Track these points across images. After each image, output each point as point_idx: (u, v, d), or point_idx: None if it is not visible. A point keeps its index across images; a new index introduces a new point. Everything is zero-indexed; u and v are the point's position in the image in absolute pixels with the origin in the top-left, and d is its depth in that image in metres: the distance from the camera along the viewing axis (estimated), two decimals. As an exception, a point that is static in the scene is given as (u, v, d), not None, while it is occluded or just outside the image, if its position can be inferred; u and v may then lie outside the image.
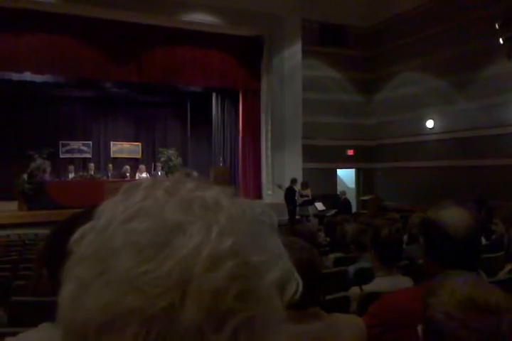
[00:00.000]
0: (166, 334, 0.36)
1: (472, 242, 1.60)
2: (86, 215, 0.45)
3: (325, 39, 13.64)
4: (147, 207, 0.41)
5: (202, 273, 0.37)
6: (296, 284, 0.43)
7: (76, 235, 0.43)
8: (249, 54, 13.68)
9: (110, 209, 0.43)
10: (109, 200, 0.44)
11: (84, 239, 0.42)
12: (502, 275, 2.74)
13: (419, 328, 1.09)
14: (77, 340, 0.39)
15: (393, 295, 1.73)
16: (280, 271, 0.41)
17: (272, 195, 13.13)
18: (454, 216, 1.61)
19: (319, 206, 11.09)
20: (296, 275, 0.44)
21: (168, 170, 15.05)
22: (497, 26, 9.82)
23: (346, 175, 14.40)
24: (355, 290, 2.44)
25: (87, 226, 0.43)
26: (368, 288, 2.41)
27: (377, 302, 1.70)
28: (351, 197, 13.15)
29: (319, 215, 10.84)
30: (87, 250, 0.41)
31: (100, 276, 0.38)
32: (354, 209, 12.56)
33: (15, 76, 12.70)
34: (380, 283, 2.40)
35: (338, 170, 14.09)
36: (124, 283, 0.37)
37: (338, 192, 12.61)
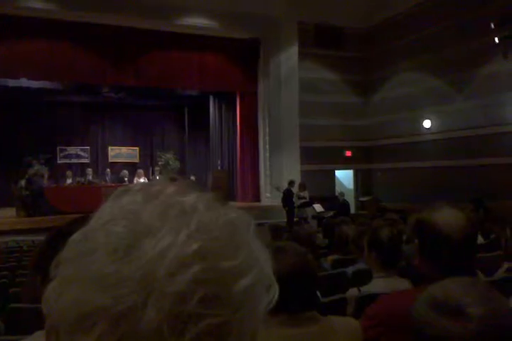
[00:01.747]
0: (130, 335, 0.37)
1: (467, 243, 1.60)
2: (80, 222, 0.46)
3: (321, 41, 13.67)
4: (126, 210, 0.42)
5: (165, 276, 0.38)
6: (274, 290, 0.43)
7: (74, 237, 0.44)
8: (246, 57, 13.72)
9: (99, 213, 0.44)
10: (105, 203, 0.45)
11: (74, 240, 0.43)
12: (499, 274, 2.74)
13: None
14: (54, 338, 0.40)
15: (390, 297, 1.72)
16: (255, 277, 0.41)
17: (271, 197, 13.13)
18: (448, 217, 1.61)
19: (318, 208, 11.09)
20: (274, 280, 0.43)
21: (167, 174, 15.05)
22: (492, 26, 9.86)
23: (344, 176, 14.41)
24: (352, 292, 2.44)
25: (83, 229, 0.44)
26: (365, 289, 2.40)
27: (374, 304, 1.70)
28: (350, 198, 13.16)
29: (318, 217, 10.83)
30: (72, 250, 0.42)
31: (76, 275, 0.39)
32: (353, 211, 12.56)
33: (11, 82, 12.72)
34: (378, 285, 2.39)
35: (336, 171, 14.10)
36: (93, 281, 0.38)
37: (336, 194, 12.61)
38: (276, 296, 0.43)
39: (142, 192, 0.44)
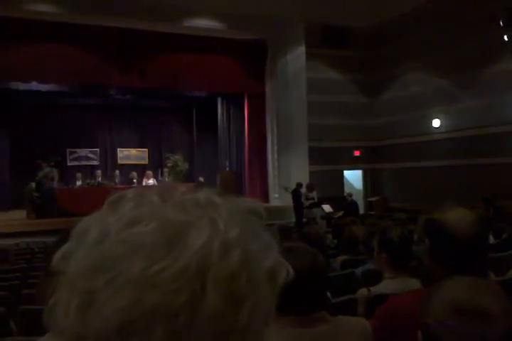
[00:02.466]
0: (193, 324, 0.39)
1: (478, 243, 1.59)
2: None
3: (328, 41, 13.63)
4: (146, 211, 0.43)
5: (217, 261, 0.40)
6: (286, 273, 0.46)
7: (58, 255, 0.44)
8: (253, 58, 13.72)
9: (99, 223, 0.44)
10: (91, 216, 0.46)
11: (72, 257, 0.43)
12: (511, 274, 2.72)
13: (419, 335, 1.09)
14: None
15: (400, 298, 1.71)
16: (273, 259, 0.45)
17: (279, 198, 13.12)
18: (459, 217, 1.60)
19: (327, 208, 11.06)
20: (287, 264, 0.47)
21: (175, 176, 15.09)
22: (501, 24, 9.77)
23: (353, 177, 14.36)
24: (362, 292, 2.42)
25: (69, 245, 0.44)
26: (375, 289, 2.39)
27: (384, 304, 1.69)
28: (359, 198, 13.11)
29: (327, 217, 10.81)
30: (81, 265, 0.42)
31: (110, 283, 0.39)
32: (362, 211, 12.52)
33: (22, 86, 12.84)
34: (388, 285, 2.38)
35: (344, 171, 14.05)
36: (140, 283, 0.39)
37: (345, 194, 12.57)
38: (290, 277, 0.46)
39: (148, 195, 0.46)
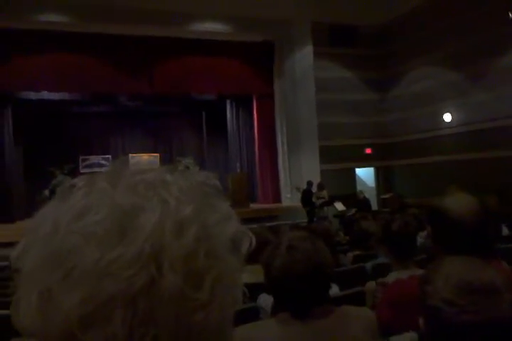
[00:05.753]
0: (153, 307, 0.39)
1: (480, 229, 1.57)
2: None
3: (335, 40, 13.60)
4: (95, 199, 0.42)
5: (171, 241, 0.40)
6: (249, 241, 0.46)
7: (15, 252, 0.43)
8: (261, 59, 13.73)
9: (51, 215, 0.43)
10: (44, 208, 0.45)
11: (28, 253, 0.42)
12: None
13: (420, 321, 1.07)
14: None
15: (403, 281, 1.71)
16: (233, 229, 0.45)
17: (291, 198, 13.09)
18: (459, 203, 1.59)
19: (339, 206, 11.00)
20: (249, 232, 0.47)
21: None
22: (510, 15, 9.66)
23: (366, 174, 14.27)
24: (370, 285, 2.41)
25: (25, 241, 0.44)
26: (383, 281, 2.37)
27: (387, 288, 1.69)
28: (372, 195, 13.02)
29: (340, 215, 10.75)
30: (36, 261, 0.41)
31: (66, 277, 0.39)
32: (375, 208, 12.42)
33: (33, 95, 13.03)
34: (396, 277, 2.36)
35: (356, 169, 13.97)
36: (95, 274, 0.38)
37: (356, 192, 12.50)
38: (253, 245, 0.46)
39: (96, 182, 0.44)
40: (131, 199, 0.42)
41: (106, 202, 0.42)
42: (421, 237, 3.28)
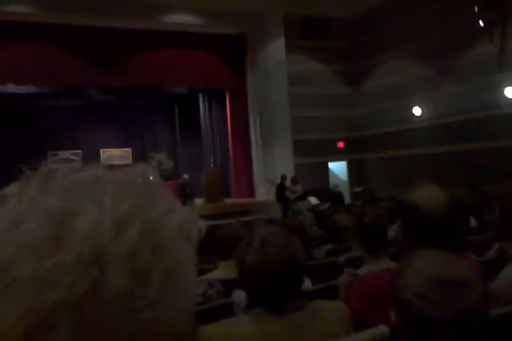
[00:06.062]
0: (101, 311, 0.37)
1: (449, 221, 1.58)
2: None
3: (308, 32, 13.62)
4: (27, 207, 0.41)
5: (111, 241, 0.38)
6: (197, 229, 0.45)
7: None
8: (233, 52, 13.65)
9: None
10: None
11: None
12: (490, 254, 2.74)
13: (392, 315, 1.08)
14: None
15: (373, 275, 1.72)
16: (179, 220, 0.44)
17: (266, 192, 13.12)
18: (427, 195, 1.60)
19: (313, 200, 11.08)
20: (199, 221, 0.46)
21: (160, 175, 14.98)
22: (476, 9, 9.85)
23: (338, 168, 14.41)
24: (343, 278, 2.42)
25: None
26: (355, 273, 2.39)
27: (358, 282, 1.70)
28: (345, 189, 13.16)
29: (314, 210, 10.82)
30: None
31: (7, 290, 0.38)
32: (348, 201, 12.56)
33: (-1, 88, 12.64)
34: (368, 270, 2.38)
35: (329, 163, 14.09)
36: (35, 284, 0.37)
37: (330, 186, 12.61)
38: (203, 233, 0.46)
39: (27, 188, 0.43)
40: (64, 204, 0.40)
41: (38, 208, 0.40)
42: (392, 230, 3.31)
